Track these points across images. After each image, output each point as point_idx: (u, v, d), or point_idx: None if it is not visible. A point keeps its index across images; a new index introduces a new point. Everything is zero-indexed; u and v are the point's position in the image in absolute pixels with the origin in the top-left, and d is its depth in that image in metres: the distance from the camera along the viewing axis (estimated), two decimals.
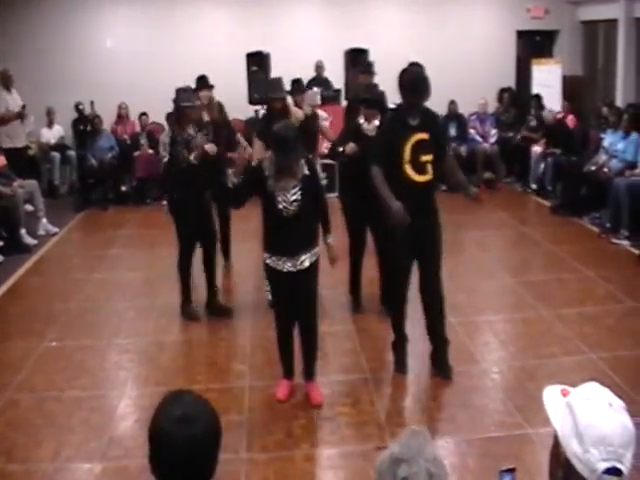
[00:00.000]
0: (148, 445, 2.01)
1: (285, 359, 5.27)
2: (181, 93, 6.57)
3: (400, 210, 5.02)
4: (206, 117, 7.47)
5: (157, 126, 12.36)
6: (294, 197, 4.87)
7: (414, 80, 5.26)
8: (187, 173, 6.38)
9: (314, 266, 5.06)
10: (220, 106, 7.79)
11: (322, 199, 5.10)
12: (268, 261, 5.03)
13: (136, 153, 11.85)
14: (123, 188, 11.89)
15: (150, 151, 11.84)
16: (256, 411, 5.07)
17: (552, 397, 1.84)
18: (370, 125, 6.21)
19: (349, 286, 6.91)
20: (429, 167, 5.26)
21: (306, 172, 4.95)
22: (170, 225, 7.72)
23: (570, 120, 11.36)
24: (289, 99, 7.25)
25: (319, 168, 7.49)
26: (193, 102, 6.54)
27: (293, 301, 5.05)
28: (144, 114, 12.22)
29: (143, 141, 11.92)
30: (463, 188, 5.55)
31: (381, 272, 6.64)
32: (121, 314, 7.02)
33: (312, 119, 7.26)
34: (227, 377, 5.66)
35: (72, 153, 12.24)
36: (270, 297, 5.96)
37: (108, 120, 12.24)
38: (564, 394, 1.81)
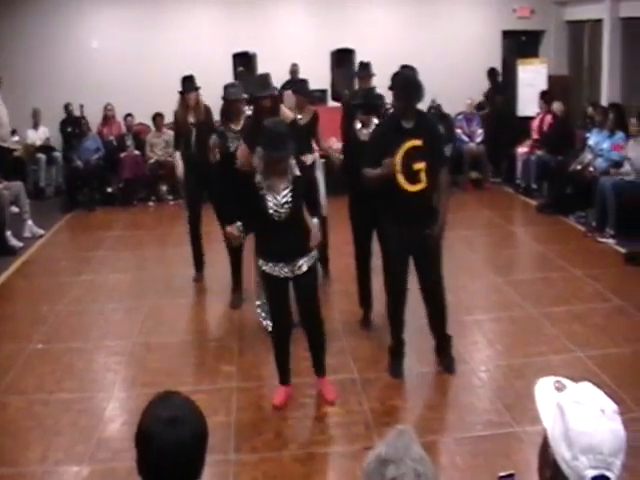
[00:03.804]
0: (135, 447, 2.00)
1: (282, 366, 5.15)
2: (229, 88, 6.78)
3: (387, 164, 5.08)
4: (192, 119, 7.48)
5: (143, 127, 12.35)
6: (285, 199, 4.76)
7: (405, 82, 5.26)
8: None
9: (312, 269, 4.98)
10: (207, 109, 7.74)
11: (313, 193, 5.02)
12: (264, 268, 4.92)
13: (122, 154, 11.80)
14: (109, 189, 11.84)
15: (136, 152, 11.83)
16: (244, 412, 5.06)
17: (544, 392, 1.81)
18: (367, 130, 6.04)
19: (358, 299, 6.61)
20: (422, 176, 5.14)
21: (297, 173, 4.84)
22: (158, 226, 7.76)
23: (548, 120, 11.38)
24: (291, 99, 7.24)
25: (320, 167, 7.44)
26: (241, 96, 6.70)
27: (290, 306, 4.96)
28: (129, 115, 12.18)
29: (129, 142, 11.89)
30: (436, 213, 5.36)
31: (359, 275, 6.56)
32: (108, 316, 7.00)
33: (313, 120, 7.19)
34: (215, 378, 5.64)
35: (58, 154, 12.19)
36: (264, 322, 6.04)
37: (94, 121, 12.21)
38: (557, 388, 1.80)
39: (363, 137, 6.06)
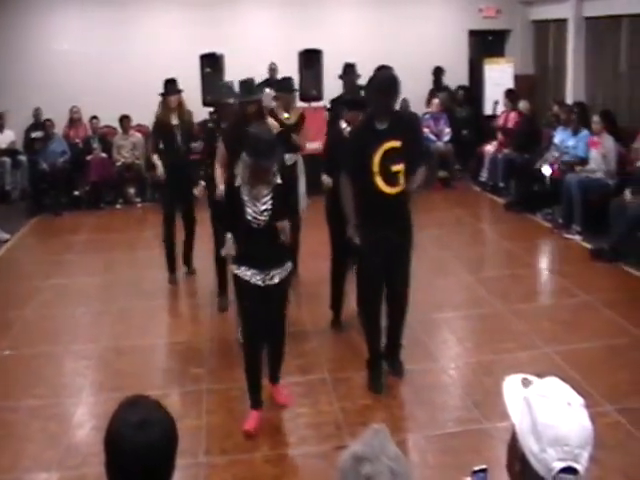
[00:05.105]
0: (104, 452, 1.99)
1: (253, 388, 4.92)
2: (222, 89, 6.88)
3: (353, 237, 5.15)
4: (175, 121, 7.46)
5: (110, 129, 12.25)
6: (264, 207, 4.66)
7: (381, 81, 5.22)
8: None
9: (284, 282, 4.86)
10: (189, 113, 7.75)
11: (289, 204, 4.87)
12: (236, 272, 4.81)
13: (89, 157, 11.68)
14: (76, 192, 11.70)
15: (103, 155, 11.72)
16: (214, 414, 5.04)
17: (512, 388, 1.84)
18: None
19: (330, 300, 6.57)
20: (400, 178, 5.08)
21: (278, 181, 4.73)
22: (126, 229, 7.70)
23: (512, 118, 11.57)
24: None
25: (302, 167, 7.40)
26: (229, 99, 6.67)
27: (261, 312, 4.81)
28: (95, 117, 12.07)
29: (95, 145, 11.78)
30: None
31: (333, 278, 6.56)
32: (77, 320, 6.94)
33: (300, 120, 7.21)
34: (184, 381, 5.61)
35: (23, 158, 12.01)
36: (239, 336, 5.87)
37: (60, 124, 12.08)
38: (525, 384, 1.82)
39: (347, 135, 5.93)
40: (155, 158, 7.62)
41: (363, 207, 5.20)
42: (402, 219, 5.25)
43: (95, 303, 7.37)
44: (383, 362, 5.51)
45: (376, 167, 5.03)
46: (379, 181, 5.05)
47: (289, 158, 6.93)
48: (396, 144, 5.06)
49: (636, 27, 10.71)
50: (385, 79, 5.24)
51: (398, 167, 5.07)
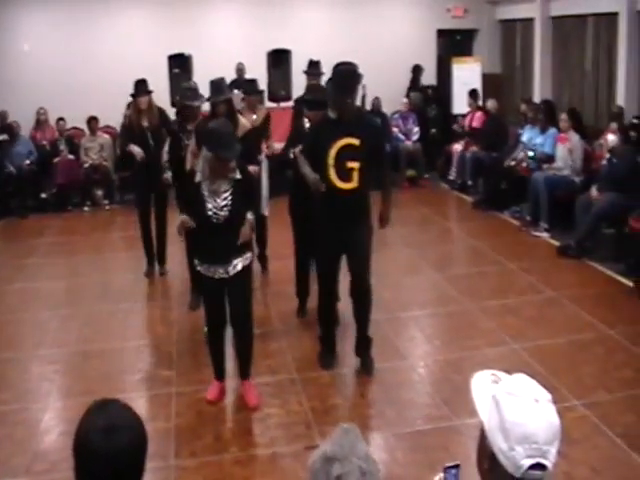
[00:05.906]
0: (73, 457, 1.97)
1: (216, 362, 5.23)
2: (185, 91, 6.86)
3: (316, 181, 5.13)
4: (145, 123, 7.41)
5: (77, 131, 12.12)
6: (224, 202, 4.76)
7: (337, 76, 5.28)
8: None
9: (247, 269, 4.99)
10: (161, 112, 7.67)
11: (251, 204, 4.97)
12: (199, 268, 4.97)
13: (56, 159, 11.55)
14: (43, 195, 11.55)
15: (70, 157, 11.59)
16: (184, 417, 5.01)
17: (480, 386, 1.85)
18: None
19: (295, 288, 6.68)
20: (355, 175, 5.14)
21: (238, 176, 4.82)
22: (93, 232, 7.62)
23: (477, 118, 11.68)
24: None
25: (265, 168, 7.36)
26: (195, 102, 6.71)
27: (225, 305, 5.00)
28: (61, 119, 11.94)
29: (62, 147, 11.64)
30: (383, 211, 5.55)
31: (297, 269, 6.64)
32: (44, 324, 6.84)
33: (265, 120, 7.25)
34: (153, 384, 5.57)
35: None
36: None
37: (27, 126, 11.92)
38: (493, 381, 1.84)
39: None
40: (132, 146, 7.52)
41: (319, 200, 5.26)
42: (357, 213, 5.27)
43: (62, 307, 7.28)
44: (335, 344, 5.70)
45: (331, 160, 5.12)
46: (332, 174, 5.14)
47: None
48: (354, 141, 5.13)
49: (601, 26, 10.87)
50: (340, 74, 5.30)
51: (353, 164, 5.14)
